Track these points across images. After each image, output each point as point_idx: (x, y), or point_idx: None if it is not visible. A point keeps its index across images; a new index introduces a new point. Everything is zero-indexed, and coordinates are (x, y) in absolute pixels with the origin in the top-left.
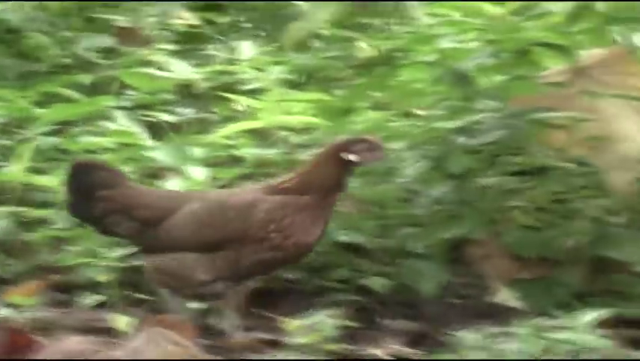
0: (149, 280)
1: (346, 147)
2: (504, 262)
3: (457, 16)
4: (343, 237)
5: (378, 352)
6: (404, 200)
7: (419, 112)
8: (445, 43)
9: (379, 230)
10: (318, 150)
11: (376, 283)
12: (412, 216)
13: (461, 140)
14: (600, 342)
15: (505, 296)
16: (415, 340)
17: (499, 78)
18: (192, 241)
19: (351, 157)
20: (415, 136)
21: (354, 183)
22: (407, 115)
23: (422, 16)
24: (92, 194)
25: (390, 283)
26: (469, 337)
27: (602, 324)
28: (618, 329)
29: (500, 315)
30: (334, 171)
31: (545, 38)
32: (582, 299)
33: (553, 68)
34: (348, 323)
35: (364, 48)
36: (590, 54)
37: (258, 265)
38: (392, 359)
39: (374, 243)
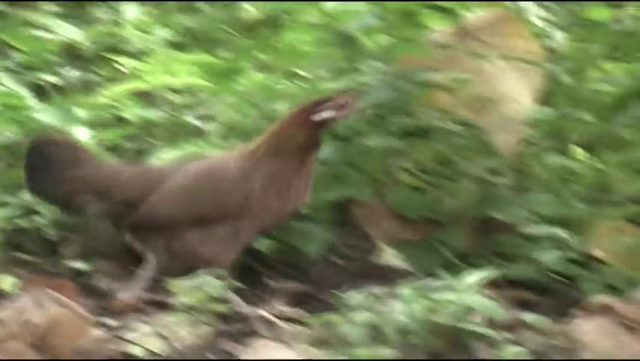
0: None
1: (313, 109)
2: (389, 223)
3: None
4: None
5: (263, 312)
6: None
7: (304, 74)
8: (330, 5)
9: None
10: (286, 114)
11: (262, 244)
12: None
13: None
14: (484, 303)
15: (390, 257)
16: (300, 301)
17: (384, 40)
18: (183, 217)
19: (323, 115)
20: (300, 98)
21: (237, 144)
22: (292, 77)
23: None
24: (56, 173)
25: (275, 245)
26: (353, 298)
27: (487, 285)
28: (503, 289)
29: (385, 276)
30: (306, 133)
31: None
32: (467, 260)
33: (439, 29)
34: (233, 283)
35: (249, 10)
36: (475, 16)
37: (254, 234)
38: (277, 319)
39: None
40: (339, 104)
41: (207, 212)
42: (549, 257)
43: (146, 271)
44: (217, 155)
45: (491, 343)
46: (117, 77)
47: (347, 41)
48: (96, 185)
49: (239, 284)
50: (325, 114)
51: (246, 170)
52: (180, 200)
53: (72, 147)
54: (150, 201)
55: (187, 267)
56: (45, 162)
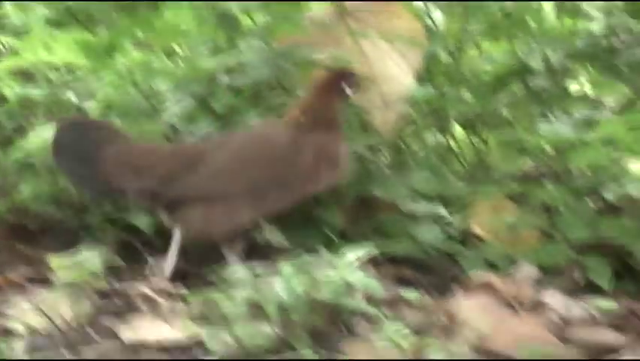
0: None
1: (344, 78)
2: None
3: None
4: None
5: (144, 289)
6: (168, 139)
7: (183, 52)
8: None
9: None
10: (315, 83)
11: (142, 221)
12: None
13: (225, 79)
14: (364, 280)
15: (271, 234)
16: (182, 277)
17: (263, 18)
18: (241, 186)
19: (348, 90)
20: (179, 76)
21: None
22: (171, 55)
23: None
24: (92, 154)
25: (155, 222)
26: (233, 274)
27: (368, 262)
28: (383, 267)
29: (265, 253)
30: (339, 103)
31: None
32: (347, 238)
33: (319, 8)
34: (114, 260)
35: None
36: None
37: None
38: (157, 295)
39: None
40: (356, 80)
41: (263, 182)
42: (429, 234)
43: (175, 247)
44: (259, 126)
45: (371, 319)
46: None
47: (226, 20)
48: (135, 163)
49: (119, 261)
50: (349, 89)
51: (296, 139)
52: (234, 171)
53: (105, 127)
54: (198, 175)
55: (223, 237)
56: (79, 144)
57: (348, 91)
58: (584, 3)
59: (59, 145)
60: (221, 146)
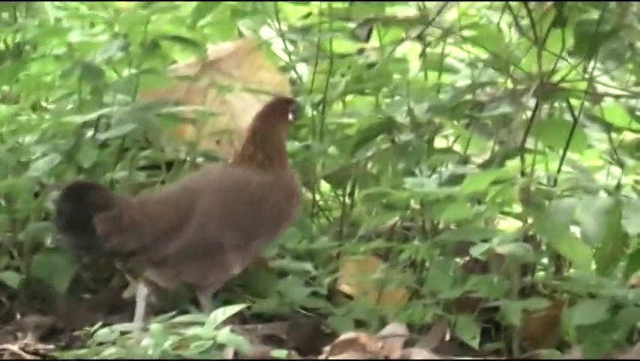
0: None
1: (287, 107)
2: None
3: (85, 8)
4: None
5: (13, 347)
6: (35, 194)
7: (48, 105)
8: (74, 37)
9: (10, 224)
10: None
11: (8, 277)
12: (43, 210)
13: (90, 133)
14: (233, 338)
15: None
16: (49, 334)
17: (128, 71)
18: (230, 236)
19: (291, 116)
20: (44, 129)
21: None
22: (36, 108)
23: (51, 8)
24: (90, 217)
25: (22, 278)
26: (101, 332)
27: (237, 320)
28: (252, 324)
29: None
30: (285, 129)
31: (174, 32)
32: (216, 295)
33: (183, 61)
34: None
35: None
36: (218, 47)
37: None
38: (27, 354)
39: (5, 237)
40: (295, 108)
41: (253, 225)
42: (297, 292)
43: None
44: (218, 169)
45: None
46: None
47: (91, 73)
48: (125, 221)
49: None
50: (292, 115)
51: (269, 177)
52: (226, 219)
53: (102, 191)
54: (188, 229)
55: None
56: (78, 206)
57: (291, 117)
58: (449, 56)
59: (58, 211)
60: (204, 194)
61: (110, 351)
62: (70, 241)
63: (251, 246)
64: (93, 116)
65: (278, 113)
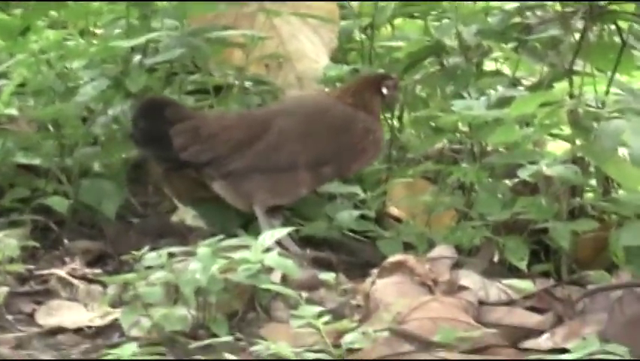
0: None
1: (383, 80)
2: (184, 182)
3: None
4: (22, 158)
5: (60, 271)
6: (83, 119)
7: (96, 31)
8: None
9: (58, 149)
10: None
11: (56, 202)
12: (91, 135)
13: (138, 58)
14: (281, 261)
15: (187, 216)
16: (97, 259)
17: None
18: (302, 158)
19: (384, 90)
20: (92, 55)
21: (30, 103)
22: (84, 34)
23: None
24: (167, 130)
25: (70, 203)
26: (149, 256)
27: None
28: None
29: (182, 235)
30: (374, 99)
31: None
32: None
33: None
34: (29, 242)
35: None
36: None
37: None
38: (74, 279)
39: (53, 162)
40: (394, 85)
41: (324, 153)
42: (346, 216)
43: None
44: (312, 97)
45: (289, 302)
46: None
47: None
48: (201, 133)
49: (35, 244)
50: (386, 90)
51: (351, 115)
52: (297, 142)
53: (177, 106)
54: (262, 143)
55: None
56: (154, 121)
57: (385, 91)
58: None
59: (135, 126)
60: (284, 115)
61: (157, 275)
62: (148, 152)
63: (321, 171)
64: (141, 40)
65: (372, 89)
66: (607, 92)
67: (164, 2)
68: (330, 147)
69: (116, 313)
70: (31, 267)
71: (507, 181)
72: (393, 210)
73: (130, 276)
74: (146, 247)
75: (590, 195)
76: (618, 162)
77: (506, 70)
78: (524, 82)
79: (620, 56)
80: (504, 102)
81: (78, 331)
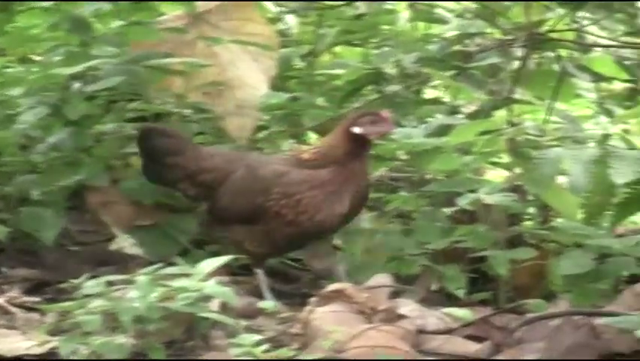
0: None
1: (354, 121)
2: (123, 209)
3: None
4: None
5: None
6: (22, 147)
7: (36, 58)
8: None
9: None
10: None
11: None
12: (30, 163)
13: (78, 86)
14: (220, 290)
15: (125, 243)
16: (36, 287)
17: (117, 24)
18: (233, 212)
19: (357, 130)
20: (32, 82)
21: None
22: (24, 61)
23: None
24: (162, 160)
25: (9, 231)
26: (87, 284)
27: (225, 272)
28: (240, 276)
29: (120, 263)
30: (344, 144)
31: None
32: (203, 247)
33: (172, 13)
34: None
35: None
36: (207, 1)
37: (286, 239)
38: (13, 306)
39: None
40: (374, 120)
41: (248, 209)
42: None
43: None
44: (268, 156)
45: (227, 330)
46: None
47: (79, 25)
48: (189, 170)
49: None
50: (359, 129)
51: (279, 174)
52: (230, 195)
53: (175, 136)
54: (219, 192)
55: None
56: (153, 151)
57: (359, 130)
58: (438, 7)
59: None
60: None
61: (96, 303)
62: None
63: (259, 227)
64: (81, 68)
65: (342, 127)
66: (545, 120)
67: (104, 29)
68: (249, 205)
69: (55, 342)
70: None
71: (446, 209)
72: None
73: (68, 304)
74: (85, 275)
75: (528, 223)
76: (557, 190)
77: (446, 98)
78: (464, 110)
79: (559, 84)
80: (443, 130)
81: (16, 360)
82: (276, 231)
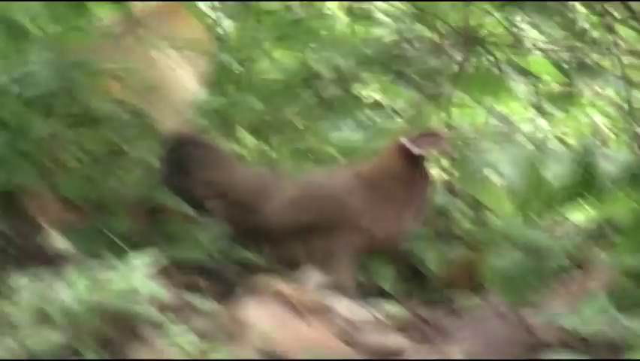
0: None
1: (410, 142)
2: (56, 209)
3: None
4: None
5: None
6: None
7: None
8: None
9: None
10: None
11: None
12: None
13: (15, 90)
14: (149, 285)
15: (56, 241)
16: None
17: (53, 28)
18: (291, 227)
19: (415, 150)
20: None
21: None
22: None
23: None
24: (192, 173)
25: None
26: (18, 280)
27: (158, 270)
28: (172, 274)
29: (51, 259)
30: (402, 165)
31: None
32: (135, 245)
33: (109, 18)
34: None
35: None
36: (143, 4)
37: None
38: None
39: None
40: (432, 141)
41: (313, 224)
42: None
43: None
44: (327, 171)
45: (157, 325)
46: None
47: (15, 30)
48: (219, 187)
49: None
50: (419, 150)
51: (353, 189)
52: (291, 212)
53: (211, 149)
54: (266, 210)
55: None
56: (182, 162)
57: (417, 151)
58: (375, 10)
59: (166, 159)
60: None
61: (24, 296)
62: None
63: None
64: (17, 73)
65: (395, 150)
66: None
67: (40, 34)
68: (317, 221)
69: None
70: None
71: None
72: None
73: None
74: (14, 270)
75: (459, 218)
76: (488, 186)
77: (384, 101)
78: (402, 113)
79: (496, 86)
80: (380, 132)
81: None
82: (347, 245)
